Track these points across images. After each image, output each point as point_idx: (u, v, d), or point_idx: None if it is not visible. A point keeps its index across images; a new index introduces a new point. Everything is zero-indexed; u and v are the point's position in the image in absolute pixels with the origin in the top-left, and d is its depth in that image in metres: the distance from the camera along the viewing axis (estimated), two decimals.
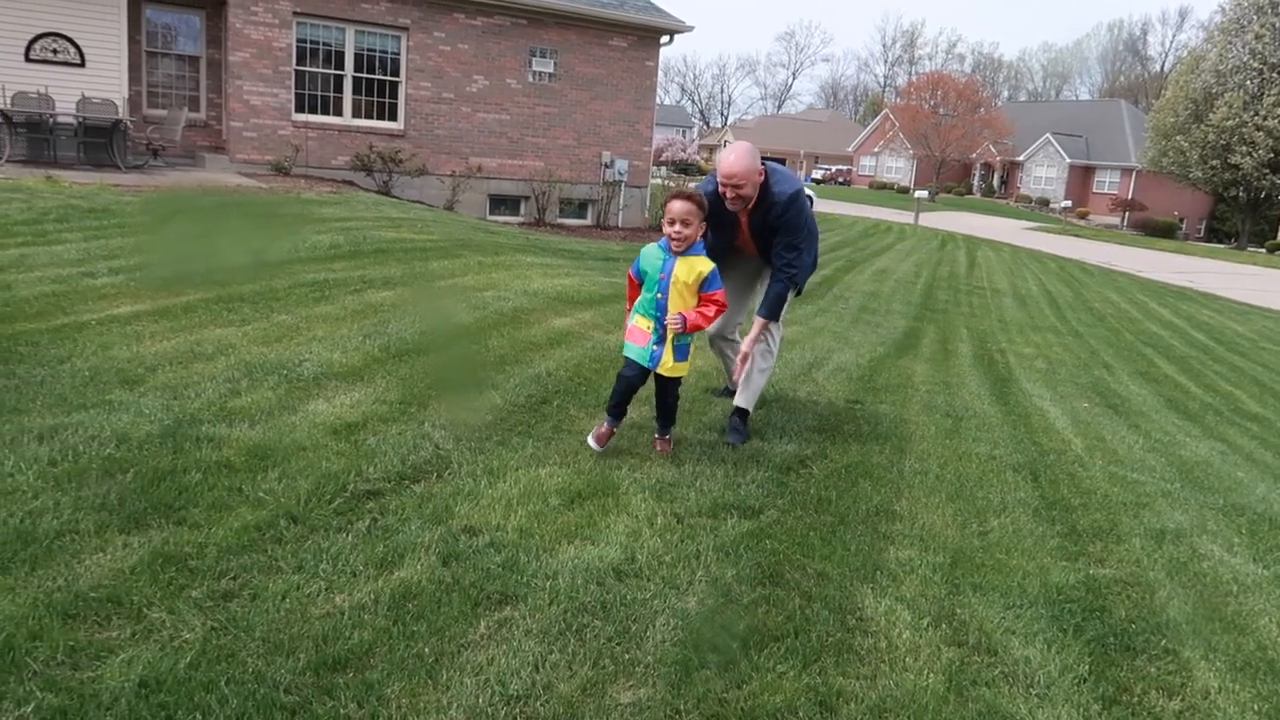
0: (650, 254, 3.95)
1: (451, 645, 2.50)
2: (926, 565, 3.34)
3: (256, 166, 15.12)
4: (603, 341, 6.22)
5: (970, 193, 63.37)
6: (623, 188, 19.05)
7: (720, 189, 4.35)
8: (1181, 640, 3.04)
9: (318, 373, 4.69)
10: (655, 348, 3.91)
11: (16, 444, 3.42)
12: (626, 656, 2.53)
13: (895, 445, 4.82)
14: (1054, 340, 11.23)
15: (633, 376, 3.94)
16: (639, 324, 3.96)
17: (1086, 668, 2.77)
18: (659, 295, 3.88)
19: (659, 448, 4.16)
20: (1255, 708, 2.69)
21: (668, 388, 4.08)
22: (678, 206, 3.84)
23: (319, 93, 16.01)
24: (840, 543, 3.44)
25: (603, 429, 4.04)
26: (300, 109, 15.81)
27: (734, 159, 4.34)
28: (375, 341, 5.38)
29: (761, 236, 4.55)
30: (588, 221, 18.97)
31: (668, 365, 3.92)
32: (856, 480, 4.17)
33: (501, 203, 18.13)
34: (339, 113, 16.26)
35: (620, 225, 18.97)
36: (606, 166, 18.81)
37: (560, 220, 18.37)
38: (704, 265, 3.90)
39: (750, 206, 4.45)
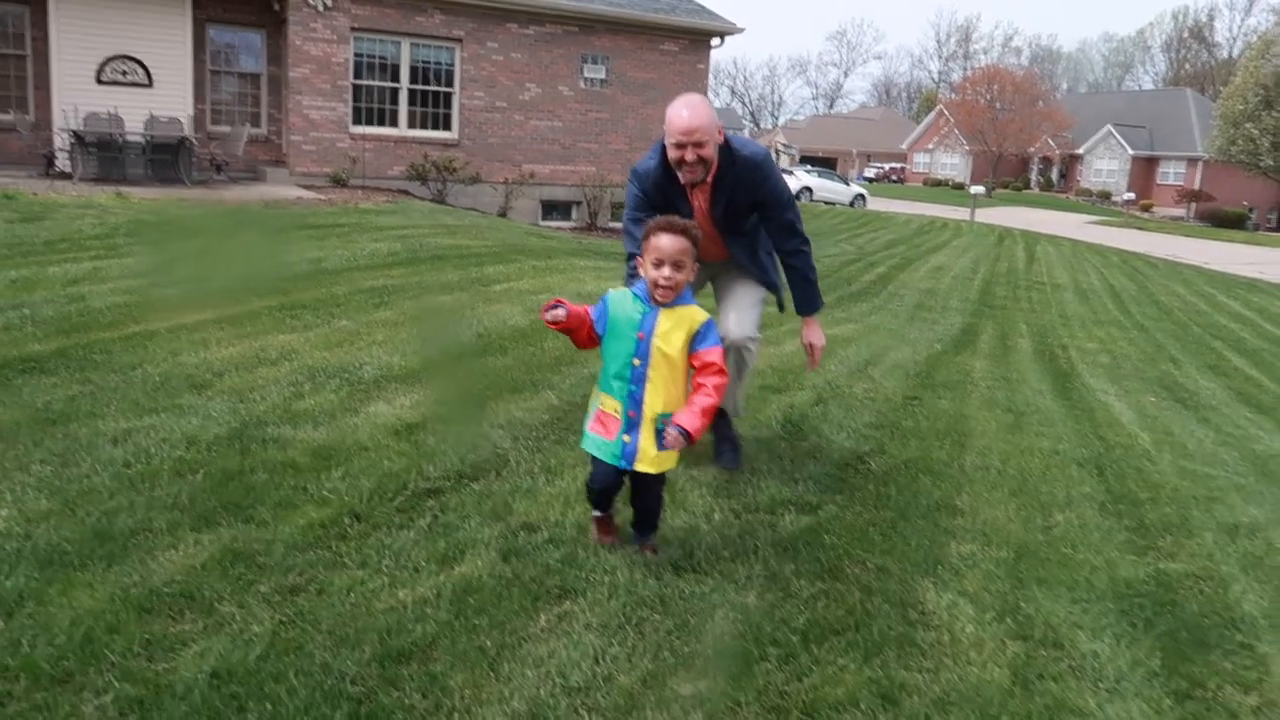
0: (622, 303, 2.88)
1: (512, 638, 2.53)
2: (989, 560, 3.29)
3: (315, 179, 15.46)
4: None
5: (1028, 187, 62.13)
6: None
7: (675, 154, 3.47)
8: (1258, 635, 2.95)
9: (378, 376, 4.78)
10: (627, 439, 2.86)
11: (93, 447, 3.54)
12: (686, 649, 2.54)
13: (955, 441, 4.75)
14: (1118, 335, 10.97)
15: (603, 482, 2.98)
16: (604, 405, 2.90)
17: (1158, 662, 2.70)
18: (635, 363, 2.82)
19: (643, 550, 3.09)
20: None
21: (649, 486, 2.99)
22: (668, 243, 2.80)
23: (375, 105, 16.32)
24: (900, 538, 3.41)
25: (600, 521, 3.13)
26: (357, 121, 16.13)
27: (690, 111, 3.42)
28: (433, 345, 5.46)
29: (729, 220, 3.68)
30: None
31: (649, 457, 2.86)
32: (916, 476, 4.12)
33: (554, 208, 18.27)
34: (394, 124, 16.55)
35: None
36: None
37: (612, 224, 18.45)
38: (696, 316, 2.87)
39: (710, 179, 3.57)
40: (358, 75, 16.03)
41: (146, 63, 14.01)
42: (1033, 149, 60.40)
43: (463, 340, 5.63)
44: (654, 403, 2.83)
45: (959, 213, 35.52)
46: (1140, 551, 3.55)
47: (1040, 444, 4.91)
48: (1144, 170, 55.89)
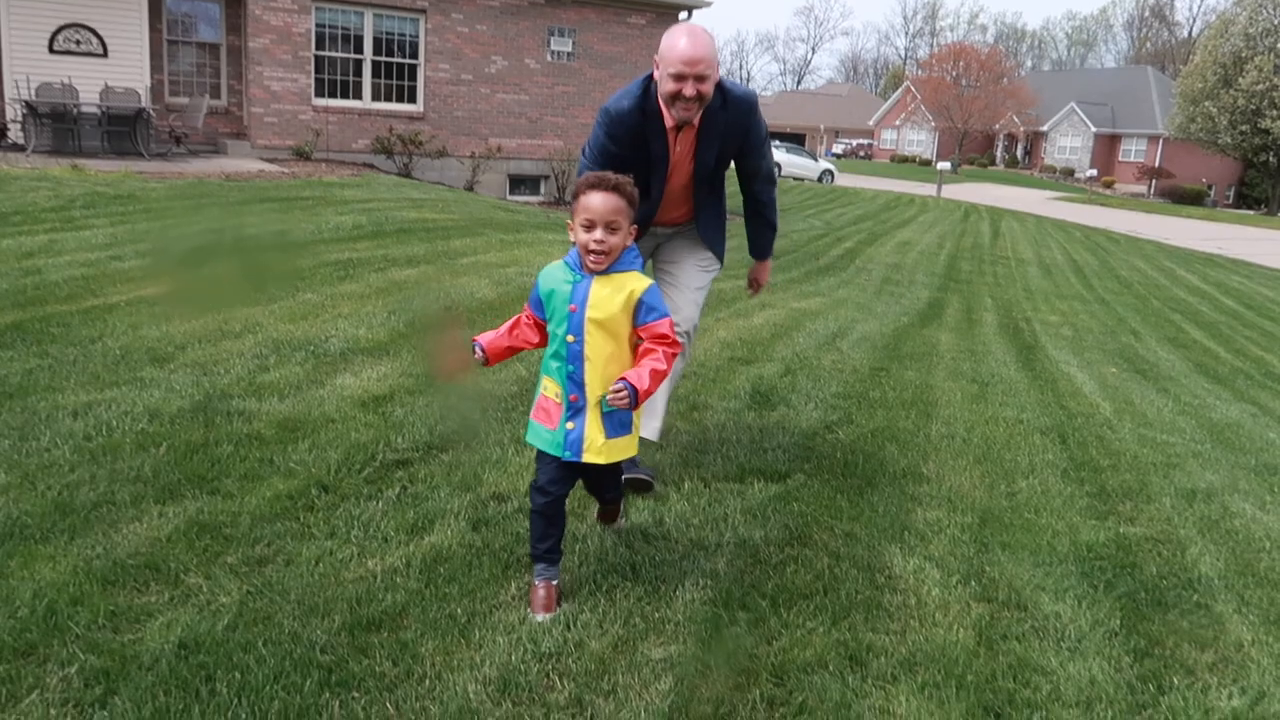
0: (552, 275, 2.55)
1: (483, 606, 2.53)
2: (955, 525, 3.34)
3: (278, 152, 15.20)
4: None
5: (993, 164, 62.64)
6: None
7: (672, 86, 3.09)
8: (1214, 595, 3.02)
9: (344, 348, 4.73)
10: (570, 426, 2.50)
11: (52, 420, 3.48)
12: (656, 615, 2.55)
13: (921, 410, 4.80)
14: (1080, 308, 11.12)
15: (549, 479, 2.54)
16: (545, 390, 2.56)
17: (1118, 622, 2.76)
18: (569, 340, 2.48)
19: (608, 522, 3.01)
20: None
21: (603, 481, 2.74)
22: (599, 203, 2.44)
23: (339, 77, 16.05)
24: (868, 504, 3.44)
25: (539, 591, 2.53)
26: (320, 93, 15.86)
27: (692, 40, 3.07)
28: (400, 318, 5.41)
29: (705, 169, 3.32)
30: None
31: (597, 446, 2.49)
32: (883, 444, 4.16)
33: (521, 183, 18.13)
34: (359, 96, 16.29)
35: None
36: None
37: None
38: (637, 284, 2.50)
39: (697, 122, 3.21)
40: (320, 46, 15.73)
41: (101, 32, 13.65)
42: (998, 126, 60.83)
43: (429, 313, 5.59)
44: (596, 384, 2.47)
45: (925, 189, 35.73)
46: (1101, 516, 3.62)
47: (1004, 413, 4.98)
48: (1106, 147, 56.53)
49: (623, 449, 2.55)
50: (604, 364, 2.48)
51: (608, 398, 2.39)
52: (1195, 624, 2.82)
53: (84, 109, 12.88)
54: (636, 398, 2.40)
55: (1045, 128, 59.17)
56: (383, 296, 5.95)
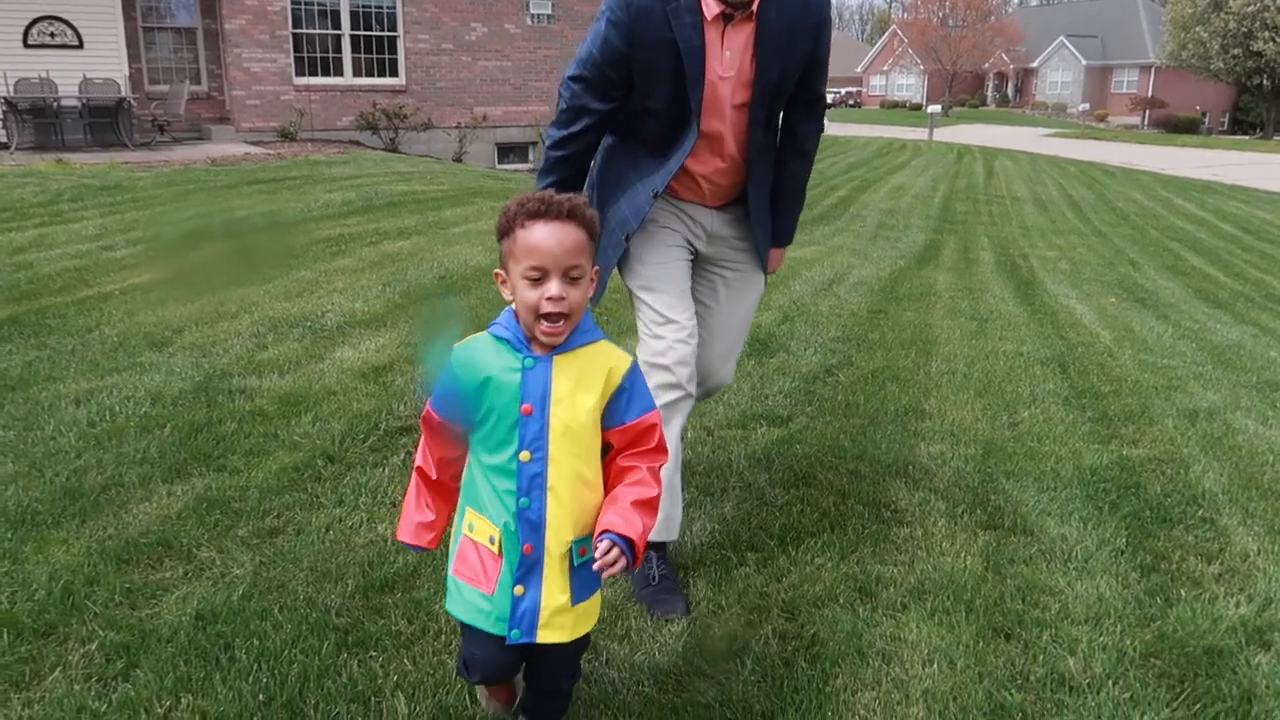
0: (481, 357, 1.67)
1: None
2: (959, 457, 3.36)
3: (262, 134, 15.09)
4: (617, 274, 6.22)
5: (985, 104, 62.03)
6: None
7: None
8: (1218, 509, 3.04)
9: (341, 322, 4.73)
10: (520, 591, 1.65)
11: (55, 409, 3.49)
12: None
13: (921, 349, 4.80)
14: (1077, 242, 11.08)
15: (486, 670, 1.75)
16: (476, 530, 1.68)
17: (1124, 540, 2.78)
18: (523, 458, 1.63)
19: None
20: None
21: (560, 662, 1.78)
22: (551, 238, 1.60)
23: (318, 54, 15.88)
24: (871, 443, 3.46)
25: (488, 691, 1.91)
26: (301, 72, 15.70)
27: None
28: (395, 289, 5.41)
29: (767, 92, 2.29)
30: None
31: (560, 617, 1.66)
32: (884, 384, 4.17)
33: (510, 150, 18.01)
34: (340, 73, 16.13)
35: None
36: None
37: None
38: (613, 360, 1.69)
39: (755, 7, 2.20)
40: (297, 24, 15.55)
41: (75, 23, 13.49)
42: (987, 65, 60.17)
43: (424, 282, 5.58)
44: (563, 522, 1.64)
45: (917, 133, 35.44)
46: (1104, 440, 3.63)
47: (1004, 347, 4.98)
48: (1098, 80, 55.92)
49: (592, 614, 1.73)
50: (573, 493, 1.64)
51: (595, 562, 1.58)
52: (1201, 538, 2.84)
53: (64, 102, 12.78)
54: (634, 555, 1.61)
55: (1035, 64, 58.51)
56: (376, 270, 5.94)
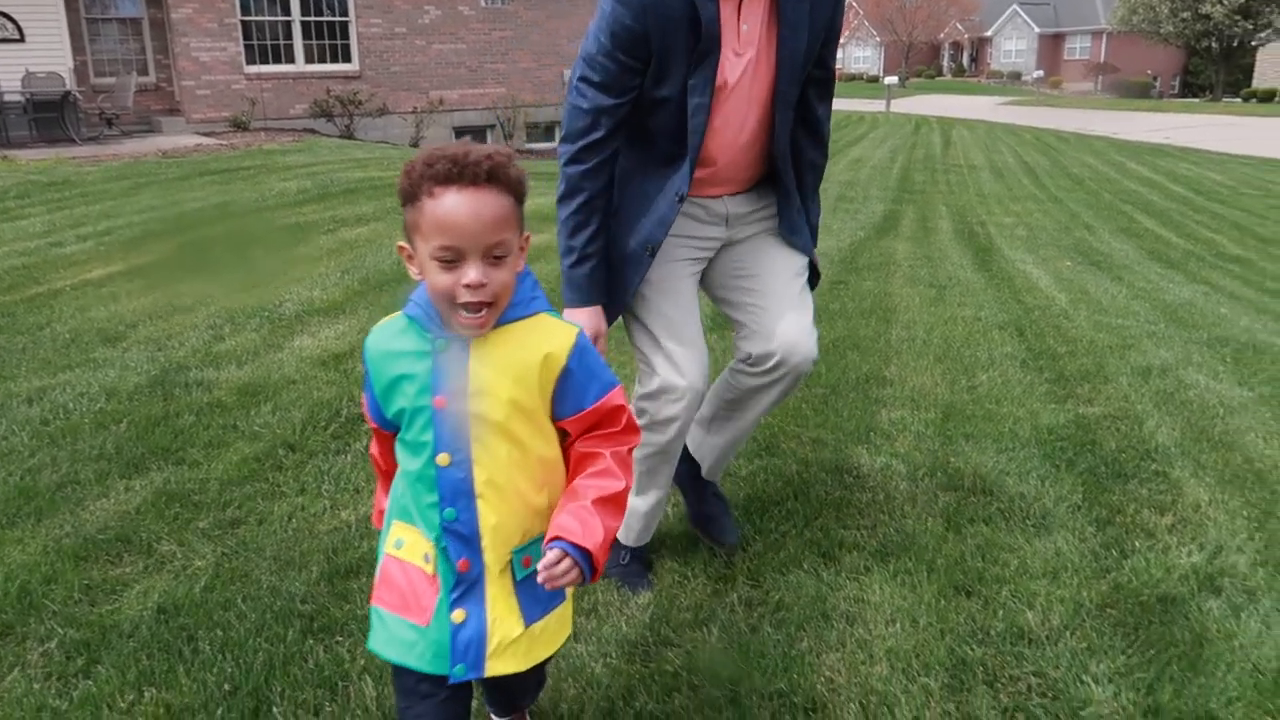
0: (389, 346, 1.41)
1: None
2: (919, 422, 3.40)
3: (214, 124, 14.83)
4: None
5: (941, 74, 62.37)
6: None
7: None
8: (1171, 462, 3.11)
9: (299, 311, 4.68)
10: (459, 616, 1.38)
11: (6, 408, 3.43)
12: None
13: (881, 317, 4.85)
14: (1034, 208, 11.20)
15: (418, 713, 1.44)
16: (403, 549, 1.43)
17: (1080, 496, 2.84)
18: (442, 462, 1.37)
19: None
20: (1244, 514, 2.77)
21: (514, 688, 1.66)
22: (466, 207, 1.28)
23: (269, 41, 15.61)
24: (833, 411, 3.49)
25: None
26: (252, 60, 15.43)
27: None
28: (354, 275, 5.36)
29: (793, 68, 2.06)
30: (556, 143, 18.69)
31: (512, 642, 1.40)
32: (845, 353, 4.20)
33: (467, 134, 17.84)
34: (291, 60, 15.87)
35: None
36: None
37: (529, 146, 18.12)
38: (554, 336, 1.39)
39: None
40: (245, 11, 15.26)
41: (15, 16, 13.14)
42: (942, 35, 60.47)
43: (382, 269, 5.53)
44: (501, 532, 1.38)
45: (875, 105, 35.56)
46: (1060, 400, 3.69)
47: (963, 313, 5.04)
48: (1051, 47, 56.40)
49: (556, 633, 1.46)
50: (509, 496, 1.38)
51: (540, 574, 1.32)
52: (1154, 491, 2.91)
53: (7, 97, 12.48)
54: (591, 564, 1.34)
55: (989, 33, 58.88)
56: (334, 257, 5.88)
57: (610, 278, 2.16)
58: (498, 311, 1.34)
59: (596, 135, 2.02)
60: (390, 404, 1.41)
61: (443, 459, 1.36)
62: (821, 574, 2.40)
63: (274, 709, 1.88)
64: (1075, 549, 2.53)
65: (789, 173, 2.22)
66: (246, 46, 15.32)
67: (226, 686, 1.95)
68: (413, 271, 1.35)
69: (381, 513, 1.57)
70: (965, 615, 2.22)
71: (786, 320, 2.19)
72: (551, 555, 1.32)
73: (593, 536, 1.34)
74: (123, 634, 2.14)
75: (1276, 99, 41.97)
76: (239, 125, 14.81)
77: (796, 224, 2.27)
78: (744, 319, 2.26)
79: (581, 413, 1.40)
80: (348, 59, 16.39)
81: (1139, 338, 4.67)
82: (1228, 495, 2.88)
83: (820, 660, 2.07)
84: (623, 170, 2.15)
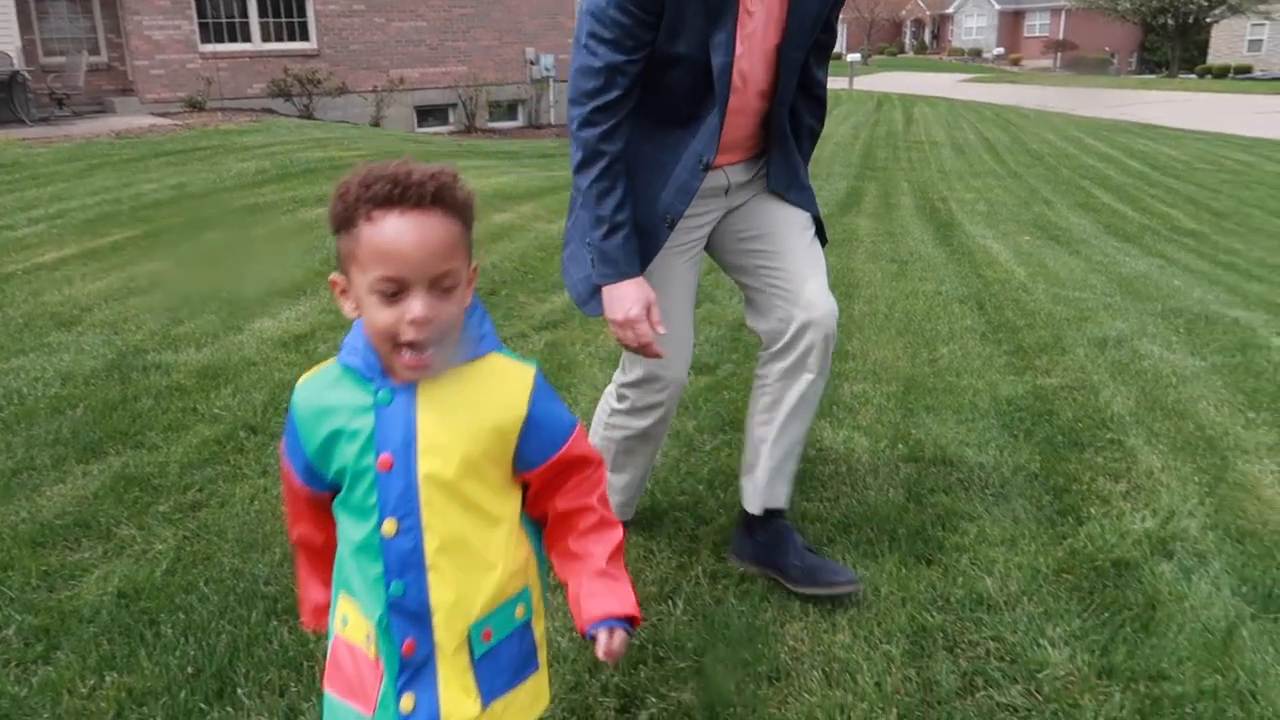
0: (323, 398, 1.22)
1: None
2: (880, 395, 3.43)
3: (169, 105, 14.52)
4: (544, 231, 6.18)
5: (903, 52, 62.60)
6: (551, 83, 18.58)
7: None
8: (1126, 431, 3.17)
9: (259, 292, 4.63)
10: (409, 704, 1.19)
11: None
12: None
13: (843, 292, 4.88)
14: (994, 184, 11.31)
15: None
16: (349, 629, 1.25)
17: (1037, 465, 2.89)
18: (386, 529, 1.18)
19: None
20: (1196, 480, 2.83)
21: None
22: (414, 233, 1.11)
23: (224, 19, 15.29)
24: None
25: None
26: (207, 39, 15.11)
27: None
28: (315, 256, 5.30)
29: (801, 36, 2.00)
30: (519, 123, 18.56)
31: None
32: None
33: (429, 113, 17.64)
34: (247, 38, 15.56)
35: (553, 122, 18.59)
36: (532, 63, 18.30)
37: (491, 125, 17.95)
38: (513, 382, 1.24)
39: None
40: None
41: None
42: (904, 12, 60.65)
43: None
44: (455, 607, 1.21)
45: (838, 82, 35.59)
46: (1019, 371, 3.75)
47: (924, 287, 5.09)
48: (1011, 24, 56.79)
49: (526, 709, 1.29)
50: (464, 566, 1.21)
51: (600, 652, 1.25)
52: (1109, 459, 2.97)
53: None
54: (632, 627, 1.29)
55: (950, 10, 59.15)
56: (294, 238, 5.80)
57: None
58: (445, 351, 1.17)
59: (612, 95, 1.89)
60: (328, 465, 1.23)
61: (389, 527, 1.19)
62: None
63: (238, 690, 1.87)
64: (1033, 516, 2.58)
65: (791, 138, 2.15)
66: (201, 25, 15.00)
67: (189, 669, 1.94)
68: (348, 309, 1.20)
69: (315, 609, 1.39)
70: (926, 583, 2.26)
71: (804, 278, 2.12)
72: (616, 642, 1.24)
73: (629, 599, 1.28)
74: (82, 619, 2.12)
75: (1230, 75, 42.65)
76: (194, 105, 14.52)
77: (800, 183, 2.19)
78: (758, 284, 2.17)
79: (548, 463, 1.26)
80: (305, 37, 16.10)
81: (1095, 310, 4.75)
82: (1180, 462, 2.95)
83: (784, 630, 2.10)
84: (633, 139, 1.99)
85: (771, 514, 2.25)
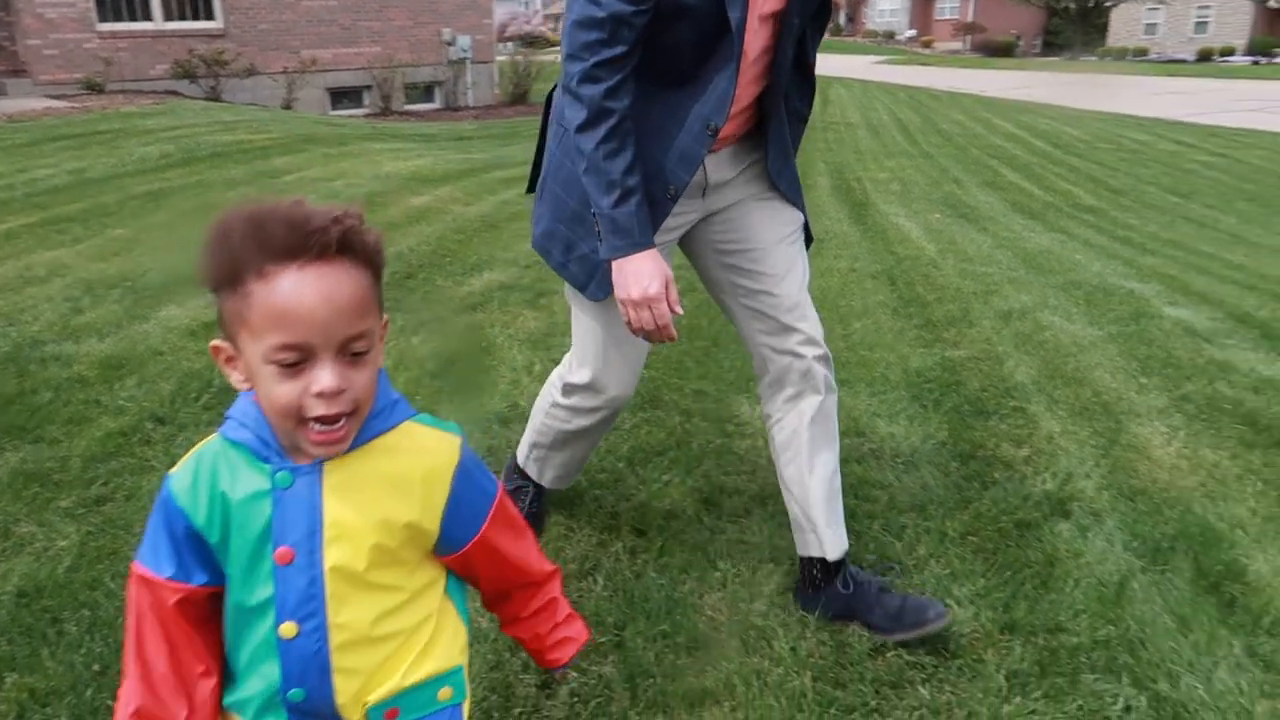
0: (207, 482, 1.05)
1: None
2: None
3: (65, 87, 13.87)
4: (462, 214, 6.12)
5: None
6: (469, 65, 18.31)
7: None
8: (1028, 399, 3.30)
9: (165, 280, 4.48)
10: None
11: None
12: None
13: None
14: (907, 164, 11.55)
15: None
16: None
17: (945, 434, 2.99)
18: (286, 632, 1.04)
19: None
20: (1092, 443, 2.97)
21: None
22: (319, 290, 0.94)
23: None
24: (714, 363, 3.56)
25: None
26: (105, 18, 14.46)
27: None
28: None
29: (803, 9, 1.86)
30: (436, 105, 18.25)
31: None
32: None
33: (343, 96, 17.22)
34: (148, 17, 14.95)
35: (471, 104, 18.33)
36: (448, 44, 17.99)
37: (408, 107, 17.61)
38: (435, 454, 1.10)
39: None
40: None
41: None
42: None
43: None
44: (364, 691, 1.08)
45: None
46: (928, 344, 3.86)
47: (839, 264, 5.19)
48: (922, 7, 57.91)
49: None
50: (382, 653, 1.09)
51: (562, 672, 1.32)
52: (1013, 425, 3.08)
53: None
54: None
55: None
56: (201, 223, 5.58)
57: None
58: (359, 421, 1.02)
59: (616, 50, 1.71)
60: (211, 562, 1.06)
61: (287, 629, 1.04)
62: (703, 519, 2.47)
63: None
64: (940, 483, 2.67)
65: (785, 122, 1.98)
66: (98, 2, 14.34)
67: (96, 666, 1.89)
68: (235, 379, 1.03)
69: None
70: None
71: (790, 299, 1.98)
72: (551, 656, 1.28)
73: (581, 635, 1.30)
74: None
75: (1128, 57, 44.27)
76: (93, 88, 13.91)
77: (792, 171, 2.04)
78: (737, 305, 2.04)
79: (472, 542, 1.13)
80: (211, 16, 15.54)
81: (1001, 284, 4.91)
82: (1078, 426, 3.08)
83: (703, 601, 2.14)
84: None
85: (839, 563, 2.07)
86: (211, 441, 1.08)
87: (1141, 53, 45.66)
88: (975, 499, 2.59)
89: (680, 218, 1.99)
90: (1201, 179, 11.84)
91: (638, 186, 1.77)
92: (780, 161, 2.01)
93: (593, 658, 1.94)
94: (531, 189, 2.10)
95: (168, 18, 15.09)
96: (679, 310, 1.80)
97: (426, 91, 18.27)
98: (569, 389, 2.14)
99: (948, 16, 57.01)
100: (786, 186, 2.03)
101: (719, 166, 1.96)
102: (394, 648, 1.09)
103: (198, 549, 1.06)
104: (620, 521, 2.46)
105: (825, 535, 2.05)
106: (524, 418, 2.99)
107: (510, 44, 39.07)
